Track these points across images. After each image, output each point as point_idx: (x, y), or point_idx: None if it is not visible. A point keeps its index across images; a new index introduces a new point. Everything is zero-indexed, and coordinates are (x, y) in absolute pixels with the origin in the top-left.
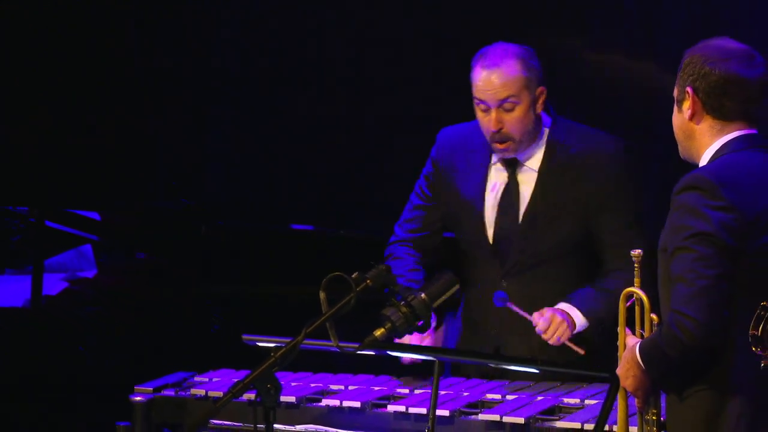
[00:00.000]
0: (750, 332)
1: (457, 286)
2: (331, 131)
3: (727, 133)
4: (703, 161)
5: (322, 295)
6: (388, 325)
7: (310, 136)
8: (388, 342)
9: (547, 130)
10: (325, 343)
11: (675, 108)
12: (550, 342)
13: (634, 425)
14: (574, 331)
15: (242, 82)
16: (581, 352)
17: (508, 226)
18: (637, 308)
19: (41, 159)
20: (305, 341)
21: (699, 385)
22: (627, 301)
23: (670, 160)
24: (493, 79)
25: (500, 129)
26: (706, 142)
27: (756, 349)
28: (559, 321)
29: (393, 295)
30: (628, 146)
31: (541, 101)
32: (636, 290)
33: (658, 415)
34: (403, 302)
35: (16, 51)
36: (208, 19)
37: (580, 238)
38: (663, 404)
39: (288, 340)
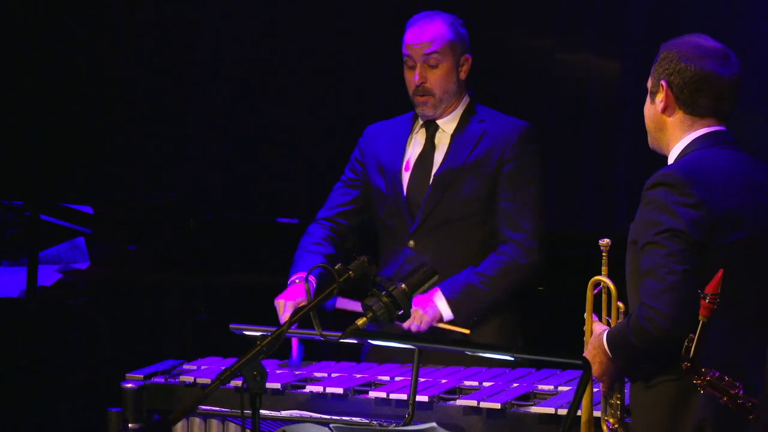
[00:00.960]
0: (683, 365)
1: (437, 277)
2: (314, 127)
3: (697, 129)
4: (673, 155)
5: (306, 285)
6: (370, 314)
7: (296, 132)
8: (370, 330)
9: (465, 103)
10: (309, 331)
11: (648, 99)
12: (413, 330)
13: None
14: (439, 323)
15: (225, 79)
16: (466, 332)
17: (420, 186)
18: (604, 296)
19: (36, 156)
20: (290, 330)
21: (665, 375)
22: (594, 288)
23: (637, 155)
24: (421, 32)
25: (423, 83)
26: (677, 135)
27: (692, 377)
28: (420, 315)
29: (374, 285)
30: (531, 127)
31: (465, 68)
32: (603, 279)
33: (622, 400)
34: (384, 292)
35: (10, 50)
36: (189, 16)
37: (483, 201)
38: (627, 390)
39: (273, 329)
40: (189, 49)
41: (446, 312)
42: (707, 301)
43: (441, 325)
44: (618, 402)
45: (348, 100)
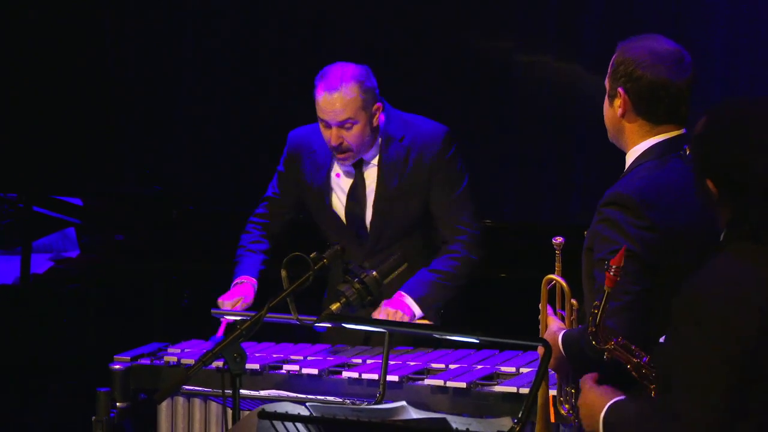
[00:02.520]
0: (589, 329)
1: (405, 265)
2: (293, 122)
3: (655, 135)
4: (630, 157)
5: (283, 272)
6: (343, 299)
7: (274, 127)
8: (343, 315)
9: (383, 127)
10: (286, 316)
11: (606, 100)
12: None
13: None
14: (414, 318)
15: (210, 76)
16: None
17: (358, 215)
18: (557, 292)
19: (29, 151)
20: (268, 315)
21: (613, 379)
22: (548, 285)
23: (593, 152)
24: (333, 102)
25: (340, 144)
26: (635, 140)
27: (596, 343)
28: (392, 312)
29: (347, 272)
30: (449, 132)
31: (377, 116)
32: (556, 278)
33: (577, 389)
34: (356, 279)
35: (2, 48)
36: (175, 11)
37: (421, 213)
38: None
39: (252, 313)
40: (175, 45)
41: (417, 310)
42: (611, 273)
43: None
44: (573, 391)
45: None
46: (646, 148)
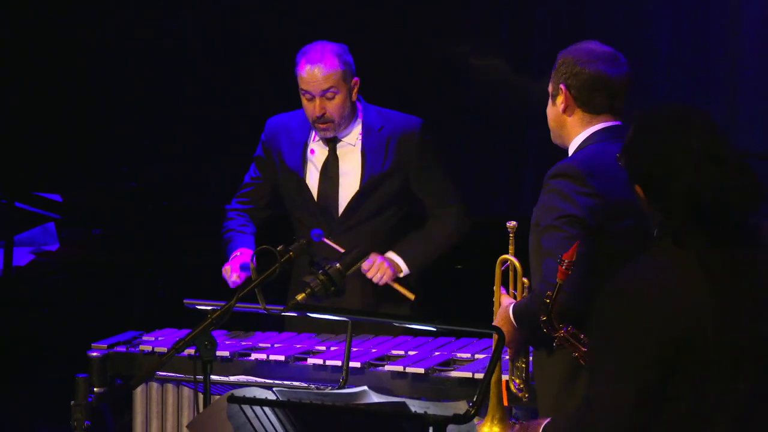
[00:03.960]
0: (541, 318)
1: (367, 257)
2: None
3: (594, 124)
4: (572, 147)
5: (252, 265)
6: (308, 290)
7: (243, 126)
8: (309, 305)
9: (361, 117)
10: (254, 306)
11: (549, 101)
12: (375, 281)
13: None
14: (400, 275)
15: (187, 77)
16: (411, 296)
17: (329, 192)
18: (511, 273)
19: (11, 150)
20: (237, 304)
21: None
22: (502, 265)
23: (543, 148)
24: (316, 72)
25: (323, 114)
26: (577, 131)
27: (548, 330)
28: (379, 263)
29: (312, 264)
30: (426, 123)
31: (355, 90)
32: (510, 257)
33: (527, 365)
34: (321, 271)
35: None
36: (155, 12)
37: (396, 197)
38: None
39: (223, 303)
40: (153, 45)
41: (404, 267)
42: (564, 267)
43: (394, 285)
44: (523, 366)
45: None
46: (587, 136)
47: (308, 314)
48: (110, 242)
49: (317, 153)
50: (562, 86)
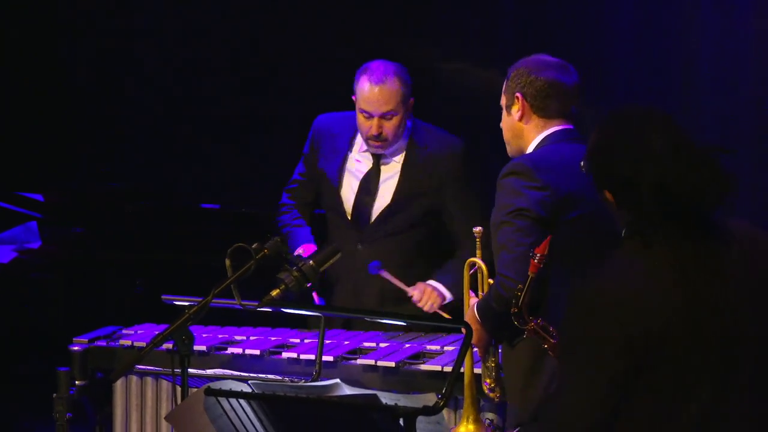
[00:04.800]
0: (512, 310)
1: (340, 255)
2: (236, 127)
3: (548, 128)
4: (529, 150)
5: (227, 262)
6: (283, 286)
7: (219, 129)
8: (282, 301)
9: (409, 131)
10: (230, 301)
11: (504, 114)
12: (425, 309)
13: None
14: (444, 302)
15: (161, 83)
16: (448, 317)
17: (366, 203)
18: (479, 275)
19: None
20: (214, 300)
21: (523, 336)
22: (471, 269)
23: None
24: (377, 93)
25: (380, 134)
26: (532, 136)
27: (518, 323)
28: (430, 291)
29: (286, 261)
30: (465, 145)
31: (410, 109)
32: (477, 260)
33: (497, 362)
34: (295, 268)
35: None
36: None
37: (428, 216)
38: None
39: (200, 299)
40: (129, 46)
41: (448, 295)
42: (536, 261)
43: (441, 313)
44: (493, 365)
45: (260, 106)
46: (542, 138)
47: (282, 309)
48: (90, 240)
49: (362, 163)
50: (518, 95)
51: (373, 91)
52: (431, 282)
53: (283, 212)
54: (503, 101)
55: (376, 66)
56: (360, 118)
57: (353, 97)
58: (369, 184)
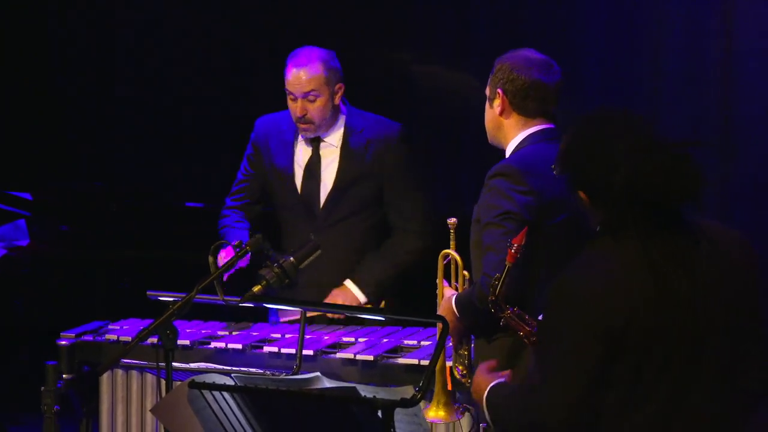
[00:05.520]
0: (489, 298)
1: (319, 251)
2: (217, 125)
3: (529, 127)
4: (509, 149)
5: (210, 259)
6: (264, 282)
7: (201, 130)
8: (264, 296)
9: (344, 117)
10: (213, 297)
11: (487, 104)
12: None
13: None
14: (360, 304)
15: (144, 88)
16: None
17: (312, 190)
18: (452, 266)
19: None
20: (197, 296)
21: (502, 333)
22: (444, 259)
23: (480, 149)
24: (300, 75)
25: (304, 115)
26: (512, 133)
27: (495, 310)
28: (341, 300)
29: (267, 258)
30: (404, 129)
31: (339, 95)
32: (451, 252)
33: (469, 352)
34: (275, 264)
35: None
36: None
37: (372, 200)
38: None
39: (183, 295)
40: (112, 48)
41: (362, 298)
42: (513, 250)
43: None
44: (466, 353)
45: (250, 97)
46: (523, 137)
47: (264, 305)
48: (77, 238)
49: (303, 152)
50: (499, 90)
51: (295, 74)
52: (348, 283)
53: (224, 215)
54: (487, 91)
55: (301, 50)
56: (289, 102)
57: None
58: (311, 171)
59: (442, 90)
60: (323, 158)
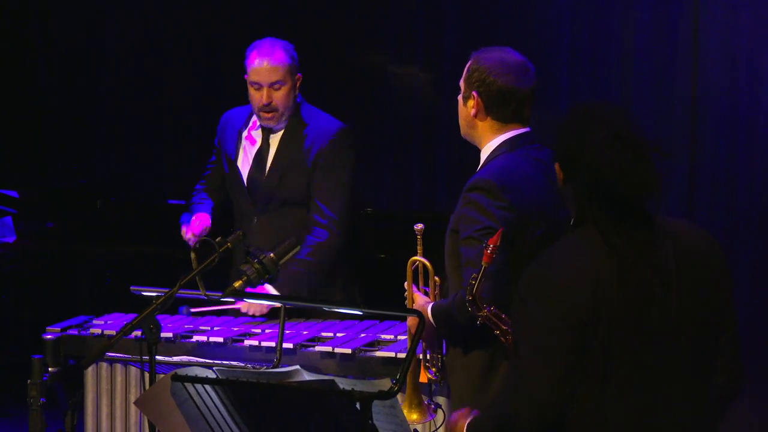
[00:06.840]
0: (466, 298)
1: (299, 248)
2: (198, 124)
3: (504, 132)
4: (485, 152)
5: (192, 254)
6: (245, 278)
7: (183, 130)
8: (244, 291)
9: (294, 112)
10: (195, 292)
11: (460, 99)
12: (249, 314)
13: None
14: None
15: (126, 86)
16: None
17: (258, 177)
18: (420, 272)
19: None
20: (180, 291)
21: (479, 345)
22: (412, 265)
23: (454, 148)
24: (266, 64)
25: (269, 102)
26: (488, 137)
27: (471, 309)
28: (247, 304)
29: (248, 254)
30: (346, 128)
31: (298, 84)
32: (419, 258)
33: (441, 354)
34: (256, 260)
35: None
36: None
37: (305, 189)
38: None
39: (166, 290)
40: (96, 49)
41: (272, 290)
42: (489, 251)
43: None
44: (438, 356)
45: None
46: (499, 143)
47: (245, 300)
48: (63, 234)
49: (254, 139)
50: (474, 93)
51: (262, 62)
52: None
53: (192, 195)
54: (462, 87)
55: (264, 41)
56: (251, 92)
57: (245, 77)
58: (260, 159)
59: (417, 90)
60: (272, 146)
